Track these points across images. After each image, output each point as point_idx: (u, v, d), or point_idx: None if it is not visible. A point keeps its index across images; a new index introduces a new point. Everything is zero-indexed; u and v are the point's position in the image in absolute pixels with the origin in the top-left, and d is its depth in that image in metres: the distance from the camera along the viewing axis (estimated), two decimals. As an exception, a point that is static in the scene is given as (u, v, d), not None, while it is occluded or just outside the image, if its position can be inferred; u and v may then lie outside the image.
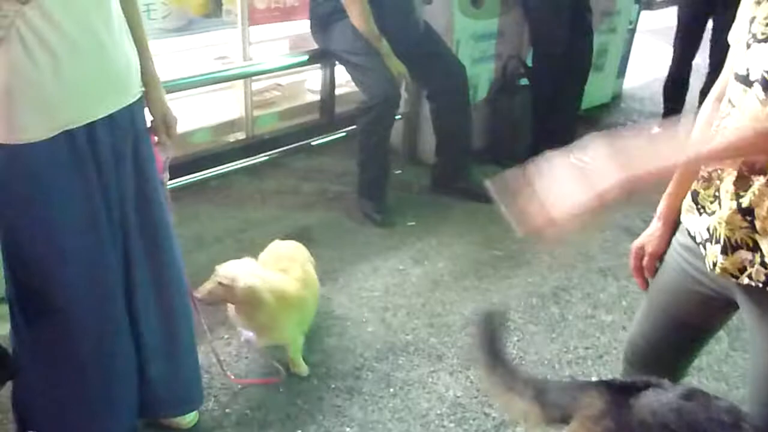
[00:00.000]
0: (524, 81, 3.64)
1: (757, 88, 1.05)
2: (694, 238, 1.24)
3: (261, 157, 3.33)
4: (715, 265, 1.16)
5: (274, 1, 3.24)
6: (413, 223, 3.10)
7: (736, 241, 1.12)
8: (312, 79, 3.68)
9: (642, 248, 1.40)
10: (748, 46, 1.08)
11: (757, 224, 1.08)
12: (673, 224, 1.37)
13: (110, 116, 1.41)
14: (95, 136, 1.39)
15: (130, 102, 1.46)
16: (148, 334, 1.63)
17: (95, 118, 1.38)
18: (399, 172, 3.47)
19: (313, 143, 3.44)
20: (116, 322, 1.53)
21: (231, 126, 3.35)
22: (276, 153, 3.39)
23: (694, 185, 1.22)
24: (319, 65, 3.34)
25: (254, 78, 3.29)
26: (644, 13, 4.97)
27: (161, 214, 1.59)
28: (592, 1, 3.53)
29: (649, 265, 1.40)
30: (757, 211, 1.08)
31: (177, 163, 3.02)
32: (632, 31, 4.51)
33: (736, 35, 1.18)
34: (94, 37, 1.35)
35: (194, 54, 3.31)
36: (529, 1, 3.47)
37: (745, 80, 1.08)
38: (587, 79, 3.67)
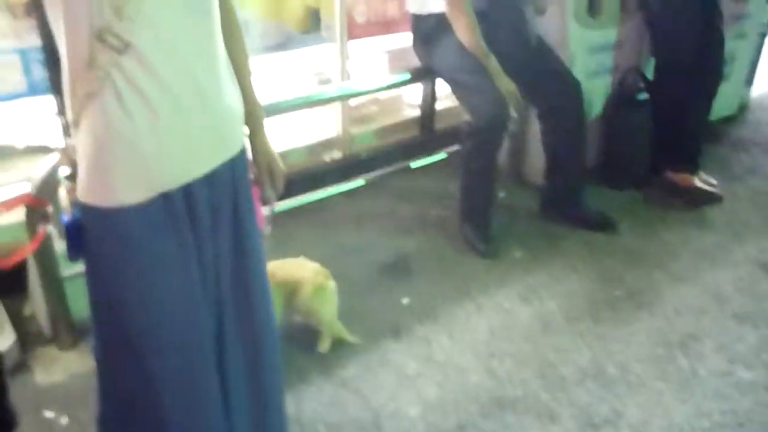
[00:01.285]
0: (644, 95, 3.31)
1: None
2: None
3: (358, 178, 3.18)
4: None
5: (373, 14, 3.07)
6: (520, 255, 2.85)
7: None
8: (411, 92, 3.50)
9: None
10: None
11: None
12: None
13: (210, 172, 1.27)
14: (192, 193, 1.25)
15: (233, 155, 1.32)
16: (236, 397, 1.50)
17: (194, 177, 1.24)
18: (503, 195, 3.23)
19: (415, 162, 3.25)
20: (208, 390, 1.39)
21: (327, 145, 3.21)
22: (374, 173, 3.23)
23: None
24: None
25: (352, 95, 3.15)
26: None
27: (258, 271, 1.45)
28: (722, 4, 3.16)
29: None
30: None
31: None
32: (763, 35, 4.07)
33: None
34: (196, 87, 1.20)
35: (292, 70, 3.19)
36: (653, 7, 3.14)
37: None
38: (716, 92, 3.30)
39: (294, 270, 2.24)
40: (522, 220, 3.11)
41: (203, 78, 1.21)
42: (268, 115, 2.77)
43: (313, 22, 2.92)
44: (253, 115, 1.44)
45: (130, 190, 1.17)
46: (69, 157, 1.21)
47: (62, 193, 1.25)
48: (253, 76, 1.46)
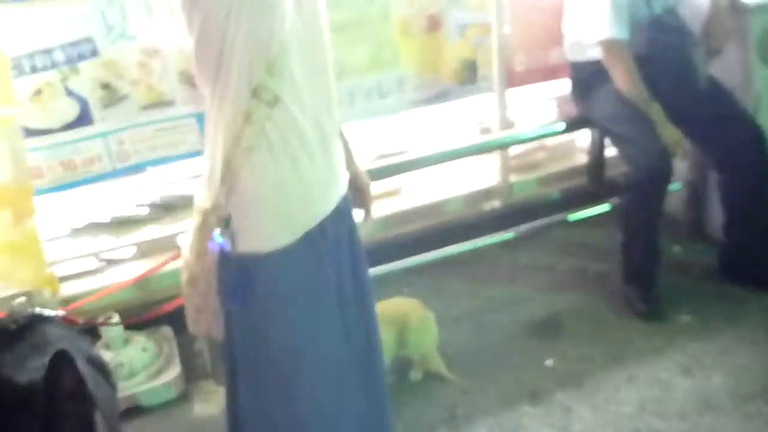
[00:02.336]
0: None
1: None
2: None
3: (517, 229, 3.10)
4: None
5: (534, 62, 3.00)
6: (688, 319, 2.57)
7: None
8: (582, 138, 3.35)
9: None
10: None
11: None
12: None
13: (335, 208, 1.38)
14: (325, 229, 1.35)
15: (346, 189, 1.44)
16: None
17: (326, 215, 1.35)
18: (678, 249, 2.95)
19: (574, 215, 3.10)
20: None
21: (486, 194, 3.18)
22: (533, 224, 3.13)
23: None
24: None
25: (512, 143, 3.09)
26: None
27: (372, 302, 1.57)
28: None
29: None
30: None
31: (426, 235, 3.04)
32: None
33: None
34: (323, 133, 1.31)
35: (451, 121, 3.22)
36: None
37: None
38: None
39: (398, 307, 2.35)
40: (697, 279, 2.80)
41: (326, 123, 1.31)
42: (428, 165, 2.88)
43: (469, 74, 2.92)
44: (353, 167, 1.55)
45: (279, 235, 1.27)
46: (218, 214, 1.28)
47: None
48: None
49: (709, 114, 2.54)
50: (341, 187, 1.41)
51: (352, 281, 1.45)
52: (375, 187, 3.01)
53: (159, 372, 2.44)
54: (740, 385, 2.22)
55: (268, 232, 1.26)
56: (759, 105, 2.71)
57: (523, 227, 3.09)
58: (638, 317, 2.59)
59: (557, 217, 3.09)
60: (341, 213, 1.40)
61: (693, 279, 2.81)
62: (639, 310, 2.60)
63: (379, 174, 2.84)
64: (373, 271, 2.51)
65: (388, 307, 2.25)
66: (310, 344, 1.35)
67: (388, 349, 2.24)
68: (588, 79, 2.64)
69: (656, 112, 2.46)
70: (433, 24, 2.80)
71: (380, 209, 3.05)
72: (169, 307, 1.86)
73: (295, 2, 1.21)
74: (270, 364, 1.36)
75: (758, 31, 2.68)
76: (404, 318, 2.30)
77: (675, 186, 2.71)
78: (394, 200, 3.12)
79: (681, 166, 2.74)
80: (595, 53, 2.55)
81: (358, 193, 1.58)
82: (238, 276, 1.27)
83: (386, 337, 2.20)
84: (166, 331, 2.58)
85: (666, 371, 2.32)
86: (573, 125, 2.88)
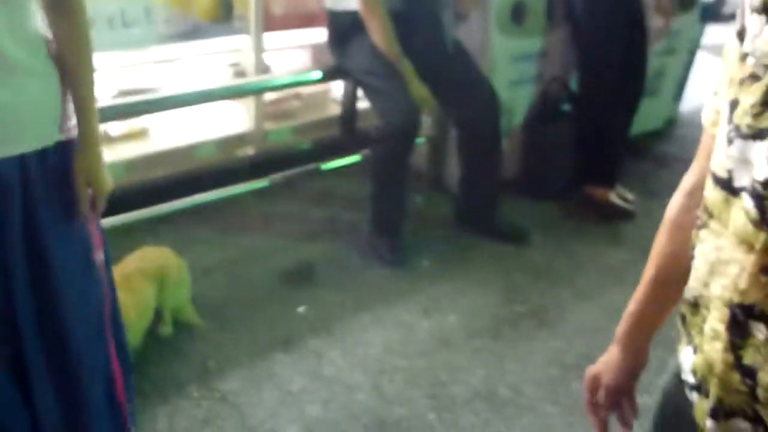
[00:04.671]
0: (567, 106, 3.28)
1: (747, 200, 0.72)
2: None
3: (270, 177, 3.05)
4: (703, 430, 0.83)
5: (293, 6, 2.95)
6: (428, 264, 2.78)
7: (730, 406, 0.78)
8: (338, 89, 3.39)
9: (597, 378, 1.07)
10: (730, 141, 0.75)
11: (760, 393, 0.75)
12: (637, 352, 1.04)
13: None
14: None
15: (19, 153, 1.16)
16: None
17: None
18: (420, 200, 3.16)
19: (327, 165, 3.14)
20: None
21: (239, 140, 3.08)
22: (288, 173, 3.11)
23: (681, 305, 0.89)
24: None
25: (268, 89, 3.02)
26: (711, 28, 4.51)
27: (72, 290, 1.27)
28: (648, 20, 3.14)
29: (607, 403, 1.07)
30: (760, 376, 0.74)
31: (175, 181, 2.86)
32: (694, 51, 4.08)
33: (710, 117, 0.85)
34: None
35: (203, 60, 3.04)
36: (578, 19, 3.10)
37: (727, 186, 0.75)
38: (637, 107, 3.28)
39: (154, 259, 2.19)
40: (436, 228, 3.04)
41: None
42: (178, 106, 2.68)
43: (223, 12, 2.77)
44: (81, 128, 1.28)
45: None
46: None
47: None
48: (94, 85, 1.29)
49: (453, 74, 2.72)
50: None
51: (25, 268, 1.20)
52: (118, 127, 2.81)
53: None
54: (471, 323, 2.47)
55: None
56: (494, 70, 2.97)
57: (277, 176, 3.05)
58: (384, 264, 2.73)
59: (310, 166, 3.10)
60: (7, 175, 1.14)
61: (432, 228, 3.04)
62: (385, 258, 2.74)
63: (122, 112, 2.60)
64: (117, 219, 2.33)
65: (144, 260, 2.09)
66: None
67: (149, 306, 2.08)
68: (345, 29, 2.66)
69: (407, 68, 2.57)
70: (186, -47, 2.60)
71: (124, 151, 2.80)
72: None
73: None
74: None
75: (497, 1, 2.92)
76: (162, 270, 2.15)
77: (419, 140, 2.88)
78: (140, 143, 2.88)
79: (425, 122, 2.91)
80: (353, 4, 2.56)
81: (83, 190, 1.27)
82: None
83: (147, 292, 2.04)
84: None
85: (408, 314, 2.49)
86: (329, 75, 2.89)
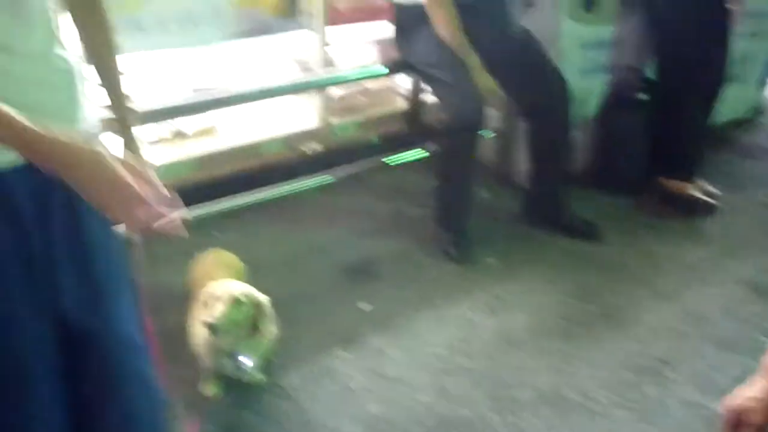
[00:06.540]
0: (643, 96, 3.12)
1: None
2: None
3: (335, 172, 3.04)
4: None
5: (357, 0, 2.92)
6: (494, 261, 2.70)
7: None
8: (402, 83, 3.35)
9: (744, 415, 0.96)
10: None
11: None
12: None
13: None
14: (4, 180, 1.06)
15: None
16: None
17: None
18: (486, 195, 3.08)
19: (392, 159, 3.11)
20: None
21: (305, 136, 3.08)
22: (354, 167, 3.09)
23: None
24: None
25: (333, 84, 3.01)
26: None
27: (117, 283, 1.24)
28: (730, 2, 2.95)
29: None
30: None
31: (242, 177, 2.90)
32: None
33: None
34: None
35: (268, 57, 3.06)
36: (655, 4, 2.94)
37: None
38: (719, 95, 3.08)
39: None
40: (503, 223, 2.95)
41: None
42: (245, 101, 2.71)
43: (289, 8, 2.78)
44: (121, 119, 1.31)
45: None
46: None
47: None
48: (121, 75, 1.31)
49: (521, 64, 2.63)
50: None
51: (70, 258, 1.16)
52: (187, 125, 2.86)
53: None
54: (540, 323, 2.38)
55: None
56: (563, 59, 2.86)
57: (342, 170, 3.05)
58: (449, 260, 2.67)
59: (376, 160, 3.07)
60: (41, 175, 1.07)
61: (499, 223, 2.95)
62: (450, 253, 2.68)
63: (191, 109, 2.65)
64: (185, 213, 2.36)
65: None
66: None
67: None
68: (410, 22, 2.61)
69: (472, 59, 2.50)
70: (252, -49, 2.62)
71: (193, 149, 2.85)
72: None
73: None
74: None
75: (567, -13, 2.81)
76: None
77: (486, 134, 2.80)
78: (208, 140, 2.93)
79: (492, 115, 2.83)
80: (418, -4, 2.52)
81: None
82: None
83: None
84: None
85: (473, 311, 2.43)
86: (394, 69, 2.85)
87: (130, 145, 1.33)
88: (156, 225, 0.95)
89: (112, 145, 1.35)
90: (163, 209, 1.00)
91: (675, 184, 3.03)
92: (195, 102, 2.63)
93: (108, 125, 1.30)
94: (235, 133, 2.97)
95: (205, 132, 2.93)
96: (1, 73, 1.03)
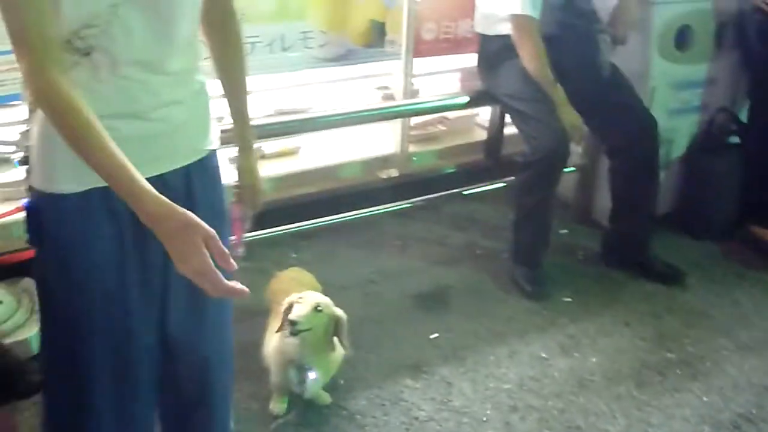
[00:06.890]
0: (735, 139, 3.01)
1: None
2: None
3: (412, 199, 3.05)
4: None
5: (443, 32, 2.95)
6: (570, 300, 2.64)
7: None
8: (483, 115, 3.34)
9: None
10: None
11: None
12: None
13: (156, 176, 1.18)
14: None
15: (187, 164, 1.25)
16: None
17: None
18: (565, 232, 3.02)
19: (469, 190, 3.09)
20: (141, 420, 1.32)
21: (383, 162, 3.11)
22: (430, 196, 3.09)
23: None
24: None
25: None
26: None
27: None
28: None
29: None
30: None
31: (320, 199, 2.94)
32: None
33: None
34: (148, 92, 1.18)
35: (353, 84, 3.11)
36: (751, 43, 2.85)
37: None
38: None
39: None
40: (580, 262, 2.89)
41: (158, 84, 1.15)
42: (328, 127, 2.76)
43: (376, 36, 2.83)
44: (242, 134, 1.40)
45: (69, 180, 1.15)
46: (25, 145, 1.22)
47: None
48: (249, 93, 1.40)
49: (608, 101, 2.58)
50: (176, 160, 1.22)
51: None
52: (272, 146, 2.94)
53: (17, 327, 2.23)
54: (614, 367, 2.30)
55: (55, 174, 1.15)
56: (653, 98, 2.79)
57: (418, 198, 3.05)
58: (523, 296, 2.63)
59: (452, 190, 3.07)
60: (173, 187, 1.20)
61: (577, 262, 2.89)
62: (524, 289, 2.63)
63: (277, 131, 2.71)
64: (263, 233, 2.42)
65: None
66: (87, 302, 1.21)
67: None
68: (495, 53, 2.61)
69: (558, 93, 2.47)
70: (344, -20, 2.68)
71: (274, 169, 2.92)
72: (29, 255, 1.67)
73: None
74: (49, 304, 1.25)
75: (660, 25, 2.75)
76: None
77: (568, 169, 2.76)
78: (291, 160, 2.99)
79: (574, 151, 2.78)
80: (505, 28, 2.52)
81: (247, 192, 1.44)
82: (29, 210, 1.21)
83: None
84: (28, 283, 2.35)
85: (545, 350, 2.37)
86: (476, 100, 2.85)
87: (249, 159, 1.42)
88: (214, 293, 1.02)
89: (229, 160, 1.45)
90: (226, 284, 1.04)
91: (765, 233, 2.89)
92: (280, 122, 2.69)
93: (227, 140, 1.38)
94: (315, 155, 3.02)
95: (285, 153, 3.00)
96: (142, 88, 1.12)
